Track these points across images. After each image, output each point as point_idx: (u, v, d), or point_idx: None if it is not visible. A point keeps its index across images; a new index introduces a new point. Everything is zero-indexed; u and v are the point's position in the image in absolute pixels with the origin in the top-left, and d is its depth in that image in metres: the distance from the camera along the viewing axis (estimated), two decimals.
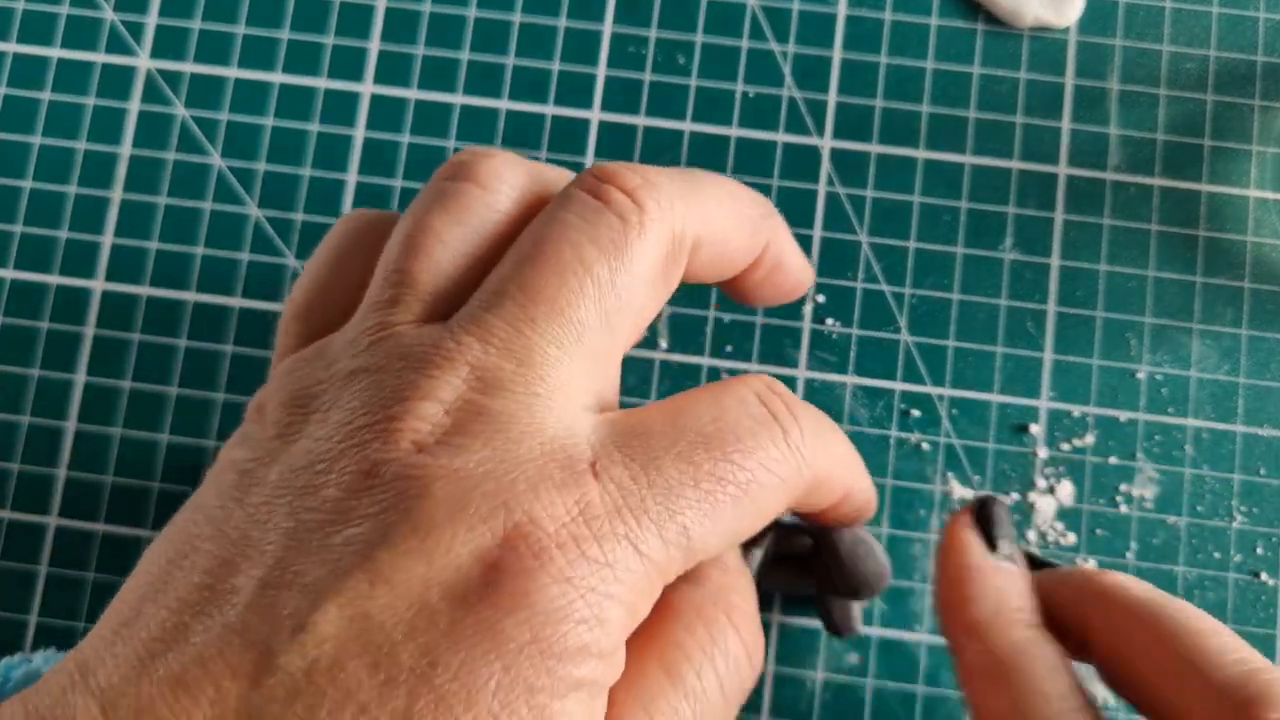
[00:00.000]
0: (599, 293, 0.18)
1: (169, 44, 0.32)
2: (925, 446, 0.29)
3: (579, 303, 0.18)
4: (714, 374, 0.29)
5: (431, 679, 0.15)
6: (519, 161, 0.21)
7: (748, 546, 0.26)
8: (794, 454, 0.19)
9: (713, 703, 0.19)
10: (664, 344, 0.30)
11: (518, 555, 0.16)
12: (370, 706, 0.15)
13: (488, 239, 0.20)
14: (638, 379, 0.30)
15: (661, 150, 0.31)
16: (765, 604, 0.28)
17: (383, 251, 0.20)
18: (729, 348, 0.30)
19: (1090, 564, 0.28)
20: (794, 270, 0.23)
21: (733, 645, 0.20)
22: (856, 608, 0.27)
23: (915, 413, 0.29)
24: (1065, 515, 0.29)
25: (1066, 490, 0.29)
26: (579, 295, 0.18)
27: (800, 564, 0.27)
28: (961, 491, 0.29)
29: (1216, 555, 0.29)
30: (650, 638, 0.19)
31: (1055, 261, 0.30)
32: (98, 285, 0.30)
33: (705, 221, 0.20)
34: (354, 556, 0.16)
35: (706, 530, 0.17)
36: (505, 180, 0.20)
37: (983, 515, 0.22)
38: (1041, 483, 0.29)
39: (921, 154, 0.31)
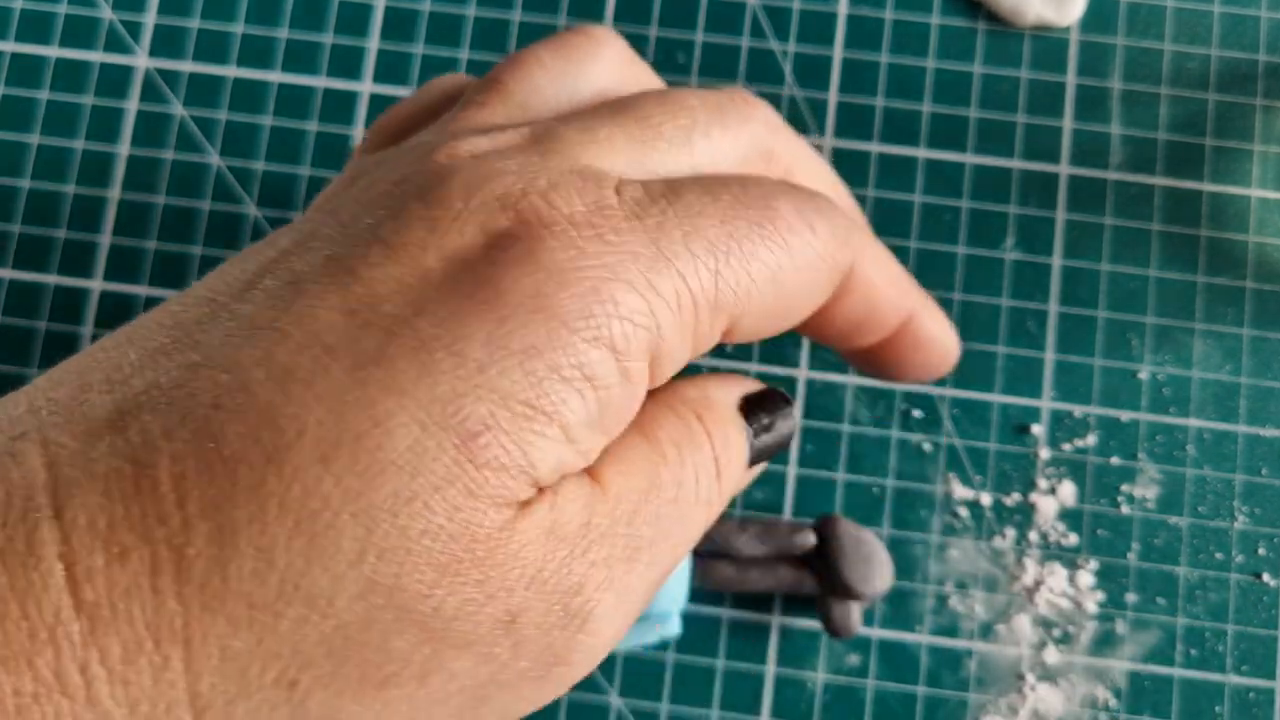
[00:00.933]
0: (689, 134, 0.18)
1: (167, 43, 0.32)
2: (927, 447, 0.29)
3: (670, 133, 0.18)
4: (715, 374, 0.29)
5: (414, 323, 0.15)
6: (628, 47, 0.21)
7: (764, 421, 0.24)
8: (823, 213, 0.18)
9: (688, 484, 0.18)
10: None
11: (528, 226, 0.15)
12: (337, 348, 0.14)
13: (586, 82, 0.20)
14: None
15: None
16: (766, 605, 0.28)
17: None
18: (729, 348, 0.30)
19: (1093, 564, 0.28)
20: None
21: (704, 448, 0.19)
22: (856, 609, 0.27)
23: (917, 413, 0.29)
24: (1067, 516, 0.29)
25: (1068, 491, 0.29)
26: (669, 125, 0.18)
27: (801, 564, 0.27)
28: (963, 492, 0.29)
29: (1218, 556, 0.28)
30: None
31: (1057, 261, 0.30)
32: (96, 285, 0.30)
33: (793, 152, 0.20)
34: (365, 233, 0.16)
35: (734, 256, 0.17)
36: (613, 45, 0.21)
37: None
38: (1043, 483, 0.29)
39: (922, 153, 0.31)
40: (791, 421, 0.22)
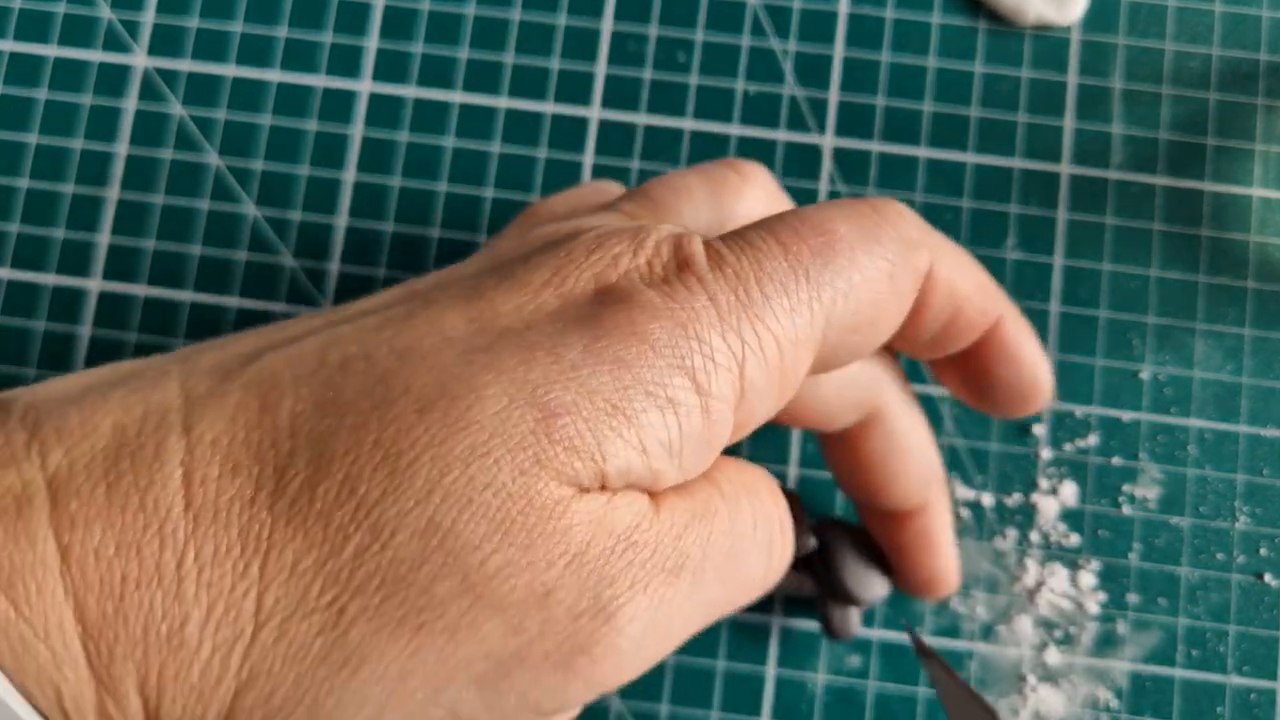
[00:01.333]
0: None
1: (166, 42, 0.31)
2: None
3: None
4: None
5: (524, 333, 0.17)
6: (774, 183, 0.23)
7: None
8: (888, 221, 0.19)
9: (743, 521, 0.19)
10: None
11: (631, 281, 0.18)
12: (454, 339, 0.17)
13: (731, 215, 0.22)
14: None
15: (661, 149, 0.31)
16: (766, 605, 0.28)
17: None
18: None
19: (1094, 565, 0.28)
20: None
21: (764, 498, 0.20)
22: (856, 613, 0.27)
23: None
24: (1068, 516, 0.29)
25: (1069, 491, 0.29)
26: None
27: (802, 566, 0.27)
28: (964, 493, 0.29)
29: (1220, 557, 0.28)
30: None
31: (1058, 261, 0.30)
32: (94, 285, 0.30)
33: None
34: (500, 270, 0.18)
35: (804, 289, 0.18)
36: (760, 183, 0.23)
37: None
38: (1044, 483, 0.29)
39: (923, 152, 0.31)
40: (809, 540, 0.25)
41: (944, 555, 0.26)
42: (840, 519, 0.27)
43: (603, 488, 0.17)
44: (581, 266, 0.18)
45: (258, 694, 0.16)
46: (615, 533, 0.17)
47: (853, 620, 0.27)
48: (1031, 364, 0.23)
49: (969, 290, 0.21)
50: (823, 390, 0.22)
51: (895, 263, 0.19)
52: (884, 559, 0.27)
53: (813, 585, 0.27)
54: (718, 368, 0.17)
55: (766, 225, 0.19)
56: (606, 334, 0.17)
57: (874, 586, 0.26)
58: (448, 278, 0.19)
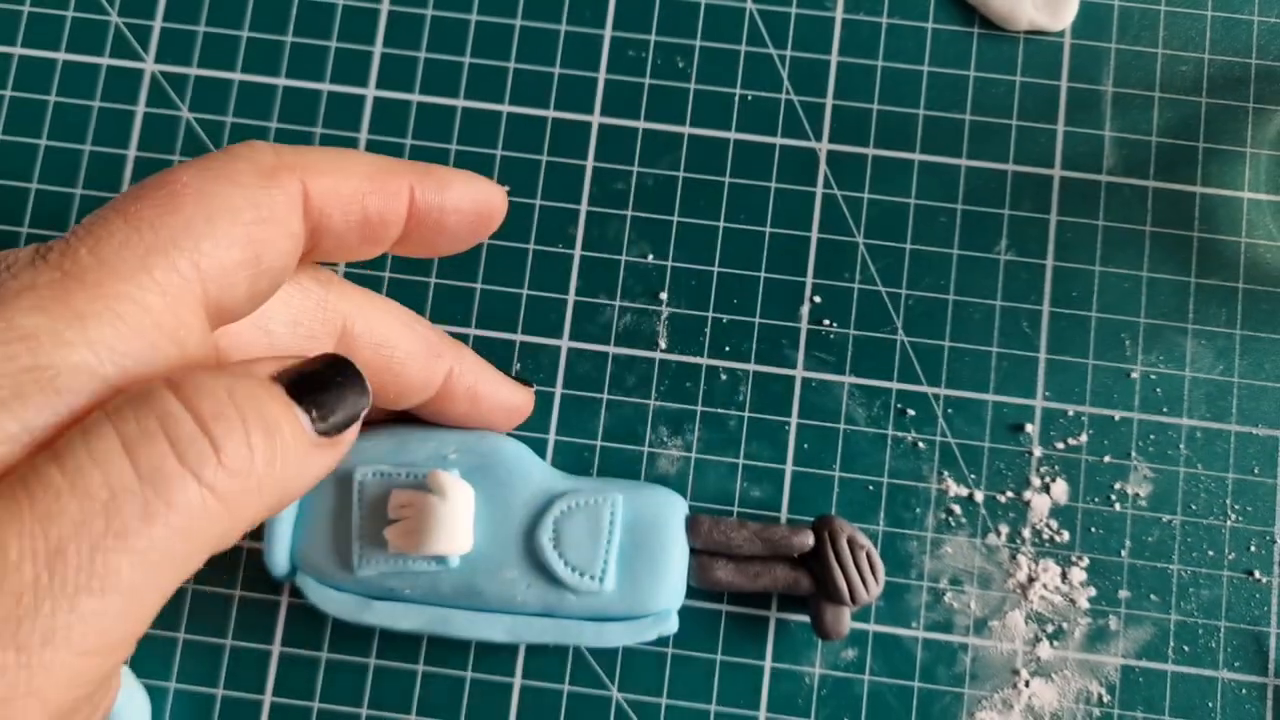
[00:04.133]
0: None
1: (174, 47, 0.32)
2: (921, 445, 0.29)
3: None
4: (712, 373, 0.30)
5: None
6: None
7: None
8: (245, 160, 0.19)
9: (89, 481, 0.16)
10: (663, 344, 0.30)
11: None
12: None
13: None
14: (638, 379, 0.30)
15: (661, 153, 0.31)
16: (763, 600, 0.29)
17: None
18: (726, 348, 0.30)
19: (1086, 561, 0.29)
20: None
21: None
22: (847, 614, 0.27)
23: (911, 412, 0.29)
24: (1060, 514, 0.29)
25: (1061, 489, 0.29)
26: None
27: (798, 563, 0.28)
28: (957, 490, 0.29)
29: (1210, 554, 0.29)
30: None
31: (1050, 262, 0.30)
32: None
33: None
34: None
35: (142, 242, 0.18)
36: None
37: None
38: (1036, 481, 0.29)
39: (918, 156, 0.31)
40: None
41: (499, 388, 0.27)
42: (836, 518, 0.28)
43: None
44: None
45: None
46: None
47: (844, 620, 0.27)
48: (465, 187, 0.22)
49: (361, 187, 0.21)
50: (273, 324, 0.22)
51: (256, 191, 0.19)
52: (878, 562, 0.27)
53: (809, 583, 0.27)
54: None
55: (116, 199, 0.18)
56: None
57: (870, 588, 0.27)
58: None
